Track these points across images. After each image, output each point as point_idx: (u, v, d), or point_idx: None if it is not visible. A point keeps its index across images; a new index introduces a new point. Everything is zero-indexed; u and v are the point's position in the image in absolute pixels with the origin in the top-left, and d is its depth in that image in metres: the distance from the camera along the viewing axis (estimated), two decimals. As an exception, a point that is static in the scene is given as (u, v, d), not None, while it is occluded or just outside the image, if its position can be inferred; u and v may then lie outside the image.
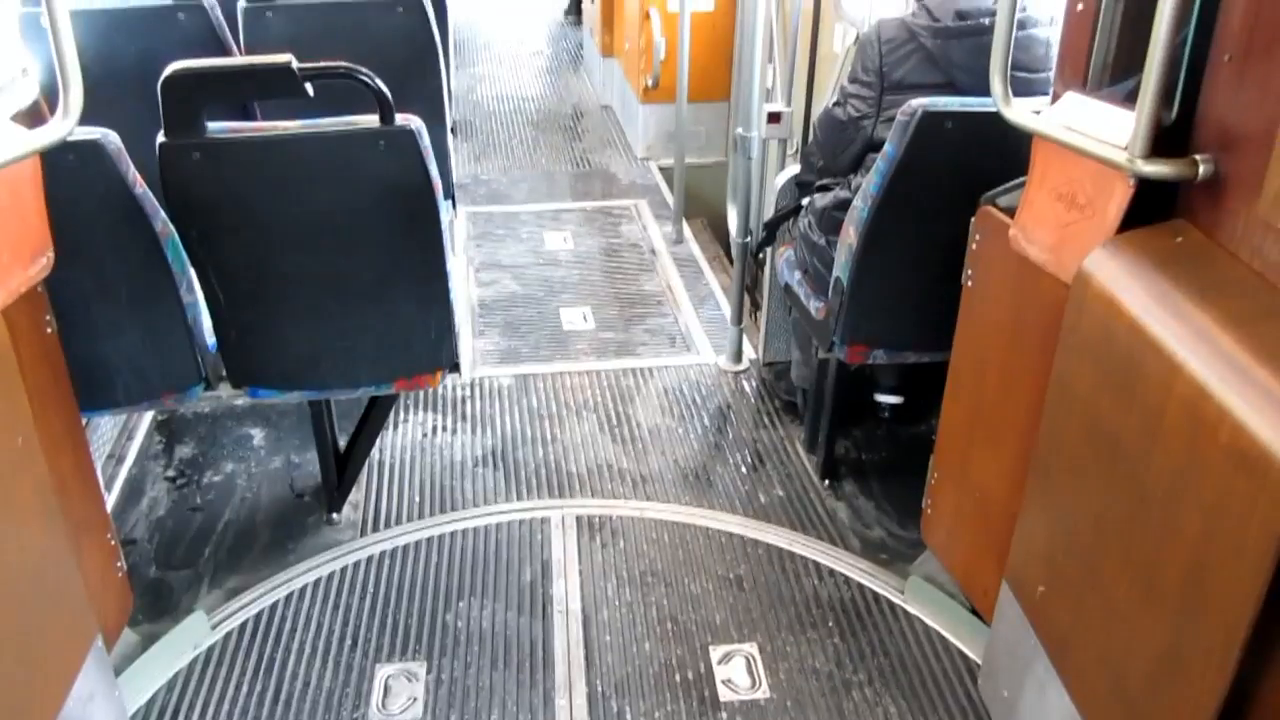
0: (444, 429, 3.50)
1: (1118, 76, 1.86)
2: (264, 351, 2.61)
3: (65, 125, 1.65)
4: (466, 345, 3.98)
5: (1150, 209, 1.75)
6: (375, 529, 3.03)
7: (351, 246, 2.42)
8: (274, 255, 2.42)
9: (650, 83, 5.50)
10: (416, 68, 3.28)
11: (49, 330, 2.13)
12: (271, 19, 3.16)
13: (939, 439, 2.55)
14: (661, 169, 5.76)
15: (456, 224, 4.99)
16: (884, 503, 3.15)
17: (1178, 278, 1.61)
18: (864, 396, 3.50)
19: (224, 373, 2.65)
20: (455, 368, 2.75)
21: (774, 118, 4.40)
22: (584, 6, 8.01)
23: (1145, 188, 1.71)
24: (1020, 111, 1.91)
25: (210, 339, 2.60)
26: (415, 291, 2.54)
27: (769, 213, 3.50)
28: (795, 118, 4.45)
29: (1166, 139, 1.65)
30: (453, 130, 4.49)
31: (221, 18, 3.14)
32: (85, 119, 3.13)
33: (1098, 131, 1.74)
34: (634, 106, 5.99)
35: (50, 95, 3.20)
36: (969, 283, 2.34)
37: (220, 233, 2.37)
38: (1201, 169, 1.62)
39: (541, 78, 7.54)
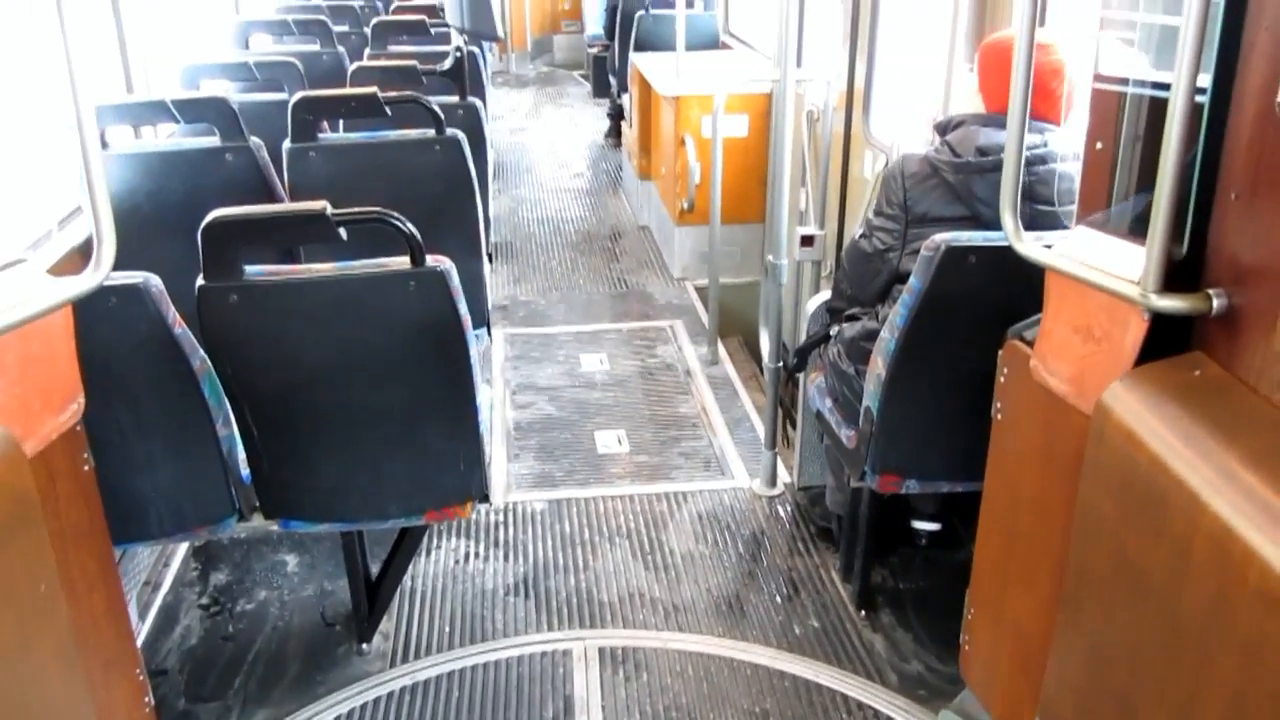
0: (476, 556, 3.49)
1: (1137, 213, 1.87)
2: (296, 484, 2.64)
3: (96, 277, 1.71)
4: (501, 469, 4.00)
5: (1168, 340, 1.74)
6: (404, 659, 3.00)
7: (382, 383, 2.47)
8: (307, 391, 2.47)
9: (685, 206, 5.60)
10: (454, 202, 3.38)
11: (86, 468, 2.17)
12: (314, 158, 3.28)
13: (974, 573, 2.50)
14: (697, 289, 5.83)
15: (494, 346, 5.06)
16: (922, 634, 3.08)
17: (1197, 412, 1.60)
18: (901, 522, 3.44)
19: (257, 504, 2.68)
20: (485, 498, 2.75)
21: (807, 241, 4.47)
22: (623, 130, 8.23)
23: (1161, 320, 1.71)
24: (1032, 245, 1.92)
25: (245, 471, 2.63)
26: (445, 425, 2.56)
27: (803, 334, 3.52)
28: (828, 240, 4.51)
29: (1179, 272, 1.66)
30: (490, 257, 4.59)
31: (267, 157, 3.27)
32: (136, 254, 3.25)
33: (1110, 265, 1.75)
34: (670, 228, 6.10)
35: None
36: (998, 415, 2.32)
37: (255, 370, 2.43)
38: (1215, 303, 1.62)
39: (581, 199, 7.72)
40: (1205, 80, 1.58)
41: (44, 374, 1.81)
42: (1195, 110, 1.56)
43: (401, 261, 2.30)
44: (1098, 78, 2.03)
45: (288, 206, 2.47)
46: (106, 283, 2.22)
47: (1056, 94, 2.50)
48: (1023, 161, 1.88)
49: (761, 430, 4.04)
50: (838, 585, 3.31)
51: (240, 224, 2.23)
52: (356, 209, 2.28)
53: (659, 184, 6.49)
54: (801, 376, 3.55)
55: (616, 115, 8.85)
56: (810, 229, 4.50)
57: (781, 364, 3.74)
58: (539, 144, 9.39)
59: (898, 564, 3.40)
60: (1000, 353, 2.28)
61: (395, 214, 2.27)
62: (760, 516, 3.70)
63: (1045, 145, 2.47)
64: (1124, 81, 1.92)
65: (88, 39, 4.18)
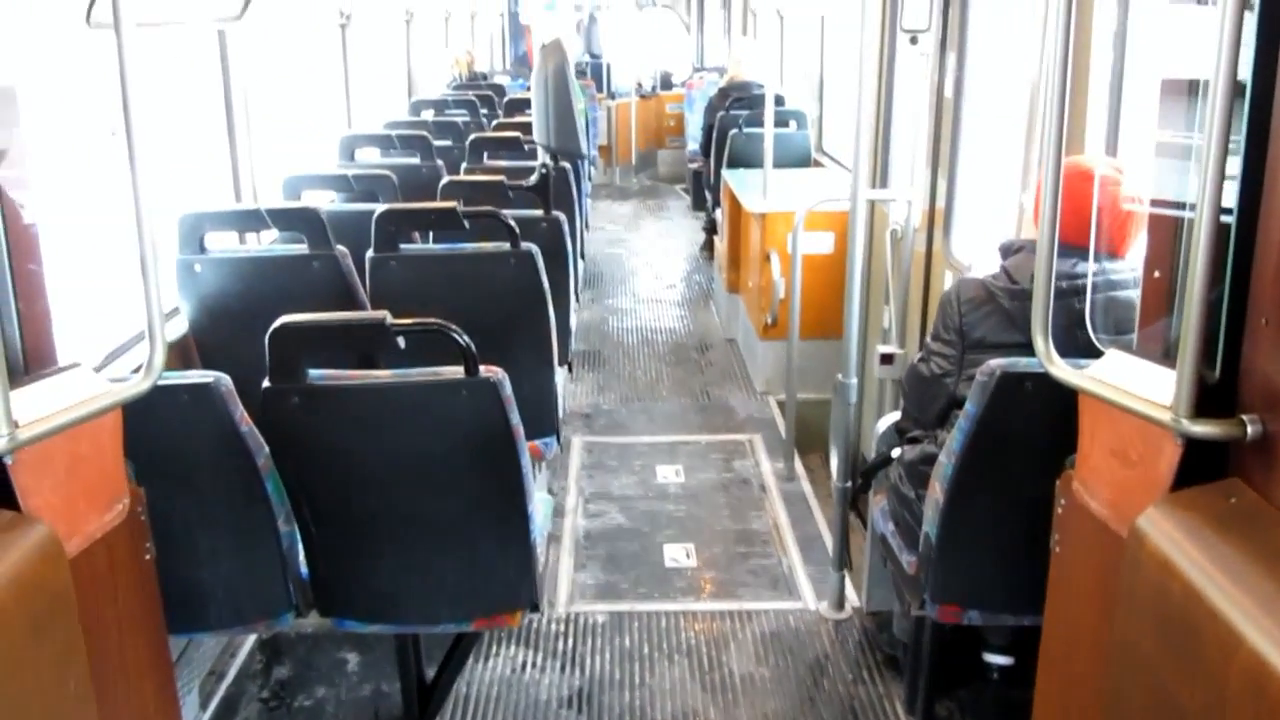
0: (533, 665, 3.46)
1: (1170, 337, 1.83)
2: (350, 584, 2.69)
3: (146, 382, 1.80)
4: (566, 578, 3.99)
5: (1207, 464, 1.69)
6: (451, 769, 2.98)
7: (434, 488, 2.51)
8: (361, 493, 2.53)
9: (769, 320, 5.63)
10: (526, 313, 3.47)
11: (147, 557, 2.25)
12: (395, 267, 3.42)
13: (1035, 713, 2.38)
14: (779, 404, 5.79)
15: (571, 454, 5.09)
16: (987, 776, 2.93)
17: (1233, 541, 1.55)
18: (972, 654, 3.30)
19: (314, 601, 2.73)
20: (535, 607, 2.75)
21: (887, 359, 4.43)
22: (715, 244, 8.34)
23: (1198, 444, 1.65)
24: (1065, 369, 1.89)
25: (304, 568, 2.69)
26: (495, 532, 2.59)
27: (874, 454, 3.46)
28: (907, 359, 4.46)
29: (1213, 397, 1.62)
30: (570, 366, 4.66)
31: (351, 265, 3.42)
32: (223, 351, 3.41)
33: (1143, 389, 1.71)
34: (754, 342, 6.12)
35: (198, 333, 3.52)
36: (1056, 548, 2.24)
37: (314, 470, 2.50)
38: (1249, 430, 1.57)
39: (672, 311, 7.80)
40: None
41: (91, 474, 1.90)
42: (1224, 234, 1.54)
43: (456, 370, 2.37)
44: (1154, 203, 2.01)
45: (349, 316, 2.58)
46: (180, 380, 2.36)
47: (1088, 220, 2.45)
48: (1053, 286, 1.87)
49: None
50: (901, 718, 3.18)
51: (304, 331, 2.33)
52: (416, 319, 2.37)
53: (745, 298, 6.54)
54: (869, 497, 3.48)
55: (711, 229, 8.98)
56: (891, 347, 4.47)
57: (849, 484, 3.68)
58: (636, 255, 9.57)
59: (967, 698, 3.26)
60: (1058, 483, 2.22)
61: (452, 325, 2.34)
62: (825, 640, 3.60)
63: (1104, 273, 2.43)
64: (1180, 206, 1.89)
65: (208, 152, 4.50)
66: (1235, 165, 1.56)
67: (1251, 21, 1.51)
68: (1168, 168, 2.01)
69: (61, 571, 1.70)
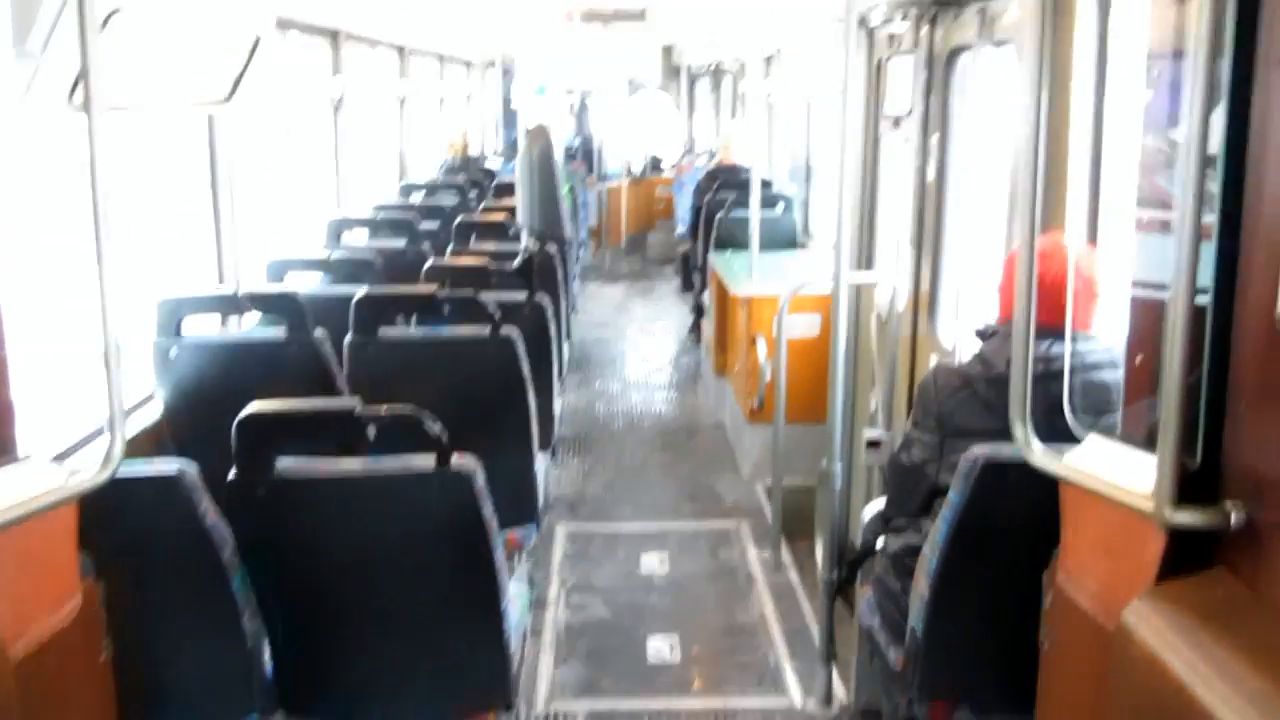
0: (510, 766, 3.33)
1: (1150, 423, 1.79)
2: (317, 683, 2.59)
3: (103, 476, 1.74)
4: (546, 673, 3.87)
5: (1192, 551, 1.63)
6: None
7: (405, 582, 2.44)
8: (331, 588, 2.46)
9: (756, 404, 5.58)
10: (505, 399, 3.42)
11: (102, 657, 2.16)
12: (373, 352, 3.38)
13: (1031, 822, 2.28)
14: (767, 489, 5.71)
15: (554, 543, 4.99)
16: None
17: (1223, 636, 1.49)
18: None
19: (279, 700, 2.62)
20: (509, 706, 2.65)
21: (873, 444, 4.37)
22: (702, 326, 8.34)
23: (1182, 533, 1.60)
24: (1045, 456, 1.84)
25: (270, 666, 2.59)
26: (467, 629, 2.51)
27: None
28: (895, 444, 4.40)
29: (1196, 485, 1.57)
30: (552, 452, 4.60)
31: (330, 350, 3.38)
32: (195, 438, 3.34)
33: (1124, 477, 1.66)
34: (741, 426, 6.06)
35: (173, 419, 3.46)
36: (1046, 644, 2.17)
37: (282, 564, 2.43)
38: (1233, 517, 1.52)
39: (659, 394, 7.75)
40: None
41: (41, 571, 1.82)
42: (1201, 316, 1.52)
43: (428, 460, 2.31)
44: (1136, 284, 1.98)
45: (318, 403, 2.53)
46: (144, 473, 2.29)
47: (1054, 299, 2.40)
48: (1030, 371, 1.82)
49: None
50: (892, 822, 3.05)
51: (272, 420, 2.27)
52: (388, 407, 2.32)
53: (733, 381, 6.51)
54: (857, 588, 3.40)
55: (698, 312, 8.97)
56: (877, 432, 4.41)
57: (835, 574, 3.60)
58: (624, 338, 9.56)
59: (960, 800, 3.13)
60: (1045, 575, 2.15)
61: (425, 413, 2.29)
62: (813, 739, 3.49)
63: (1085, 353, 2.40)
64: (1162, 288, 1.86)
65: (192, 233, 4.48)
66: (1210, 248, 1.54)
67: (1222, 108, 1.50)
68: (1148, 248, 1.99)
69: (4, 679, 1.61)
